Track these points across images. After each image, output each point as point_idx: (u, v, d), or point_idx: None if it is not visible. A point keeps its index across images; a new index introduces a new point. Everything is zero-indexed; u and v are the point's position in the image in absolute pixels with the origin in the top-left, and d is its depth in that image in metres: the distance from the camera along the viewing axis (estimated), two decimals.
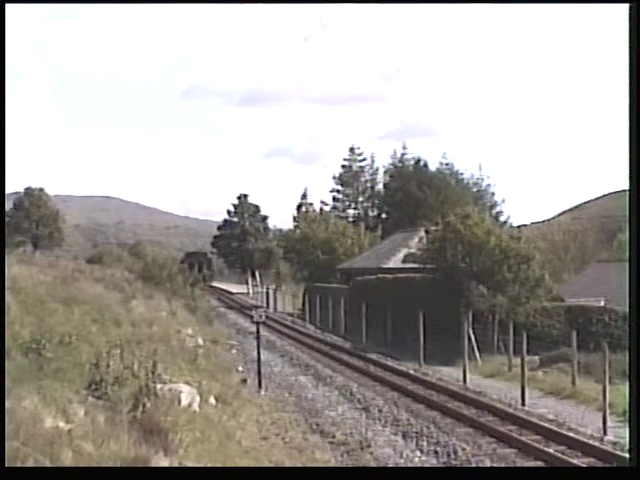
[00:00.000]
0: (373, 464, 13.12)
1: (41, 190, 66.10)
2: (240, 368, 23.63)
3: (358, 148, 75.07)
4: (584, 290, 33.43)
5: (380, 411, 17.45)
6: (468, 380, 21.67)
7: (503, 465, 13.02)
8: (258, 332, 22.44)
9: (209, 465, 8.31)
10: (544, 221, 78.63)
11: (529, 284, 28.11)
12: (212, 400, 14.38)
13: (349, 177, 73.52)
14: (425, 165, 67.40)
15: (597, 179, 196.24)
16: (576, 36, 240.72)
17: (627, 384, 8.29)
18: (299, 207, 70.84)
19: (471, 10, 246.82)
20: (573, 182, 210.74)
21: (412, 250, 35.38)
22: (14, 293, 14.19)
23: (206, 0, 54.35)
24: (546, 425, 15.88)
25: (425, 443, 14.49)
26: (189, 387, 12.32)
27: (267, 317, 29.92)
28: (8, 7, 7.88)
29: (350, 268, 43.57)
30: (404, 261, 37.04)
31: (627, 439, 12.06)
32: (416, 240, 35.59)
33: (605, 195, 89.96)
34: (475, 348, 25.29)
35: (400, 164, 70.31)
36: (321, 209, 67.50)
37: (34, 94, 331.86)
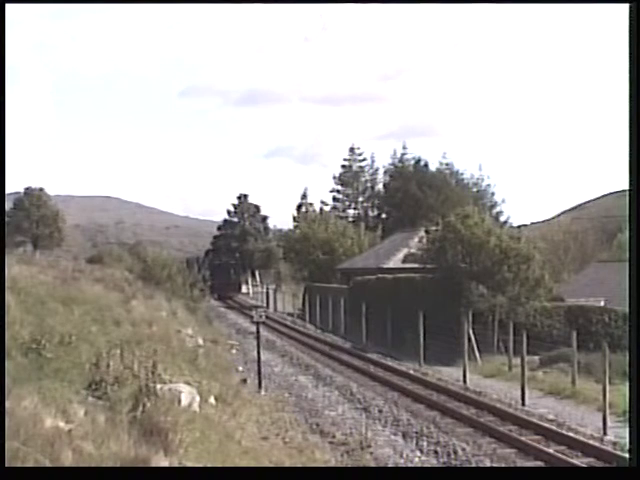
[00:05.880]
0: (373, 464, 13.12)
1: (41, 190, 65.91)
2: (240, 368, 23.64)
3: (358, 148, 75.09)
4: (584, 290, 33.43)
5: (380, 411, 17.45)
6: (468, 380, 21.68)
7: (503, 465, 13.03)
8: (258, 332, 22.46)
9: (209, 465, 8.31)
10: (544, 221, 78.64)
11: (529, 284, 28.10)
12: (212, 400, 14.37)
13: (349, 177, 73.48)
14: (425, 165, 67.40)
15: (597, 179, 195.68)
16: (576, 36, 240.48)
17: (627, 384, 8.29)
18: (299, 207, 70.85)
19: (471, 10, 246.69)
20: (573, 182, 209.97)
21: (412, 250, 35.34)
22: (14, 293, 14.16)
23: (206, 0, 54.42)
24: (546, 425, 15.90)
25: (425, 443, 14.50)
26: (189, 387, 12.31)
27: (267, 317, 29.93)
28: (8, 7, 7.89)
29: (350, 268, 43.57)
30: (404, 261, 37.02)
31: (627, 439, 12.05)
32: (416, 240, 35.57)
33: (605, 195, 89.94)
34: (475, 348, 25.29)
35: (400, 164, 70.27)
36: (321, 209, 67.42)
37: (33, 94, 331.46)
